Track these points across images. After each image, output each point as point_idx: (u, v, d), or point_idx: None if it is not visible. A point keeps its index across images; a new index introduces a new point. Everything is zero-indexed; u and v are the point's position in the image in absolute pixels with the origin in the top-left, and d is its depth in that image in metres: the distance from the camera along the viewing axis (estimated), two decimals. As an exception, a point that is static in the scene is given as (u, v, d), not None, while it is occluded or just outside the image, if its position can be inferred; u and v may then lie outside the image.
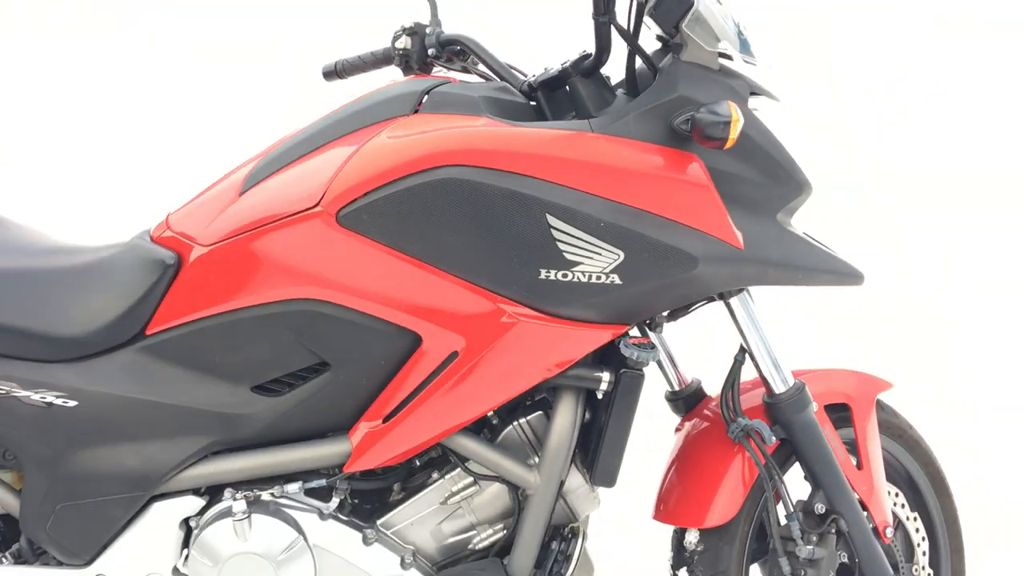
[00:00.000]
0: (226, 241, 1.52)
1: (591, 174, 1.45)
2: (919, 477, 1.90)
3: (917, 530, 1.90)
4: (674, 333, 1.81)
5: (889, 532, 1.77)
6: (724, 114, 1.40)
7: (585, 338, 1.52)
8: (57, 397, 1.55)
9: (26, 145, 4.81)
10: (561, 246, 1.46)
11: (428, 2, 1.81)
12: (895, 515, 1.87)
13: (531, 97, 1.62)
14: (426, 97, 1.54)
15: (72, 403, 1.55)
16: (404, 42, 1.77)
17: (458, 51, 1.75)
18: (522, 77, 1.69)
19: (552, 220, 1.45)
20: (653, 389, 1.70)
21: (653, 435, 1.94)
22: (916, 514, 1.90)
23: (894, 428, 1.88)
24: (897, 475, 1.90)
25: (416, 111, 1.53)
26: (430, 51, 1.77)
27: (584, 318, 1.51)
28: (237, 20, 5.61)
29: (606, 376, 1.56)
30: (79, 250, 1.63)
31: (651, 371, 1.72)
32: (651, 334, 1.68)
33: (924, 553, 1.90)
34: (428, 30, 1.79)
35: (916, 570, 1.89)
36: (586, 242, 1.46)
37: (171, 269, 1.54)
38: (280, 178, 1.53)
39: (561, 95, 1.59)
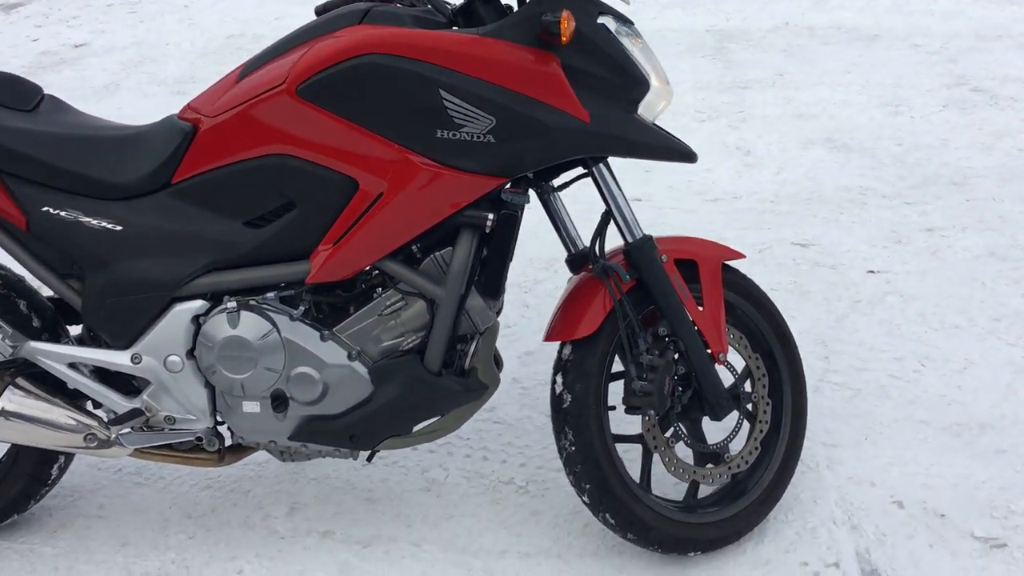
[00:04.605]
0: (224, 114, 2.14)
1: (472, 62, 2.03)
2: (763, 327, 2.42)
3: (758, 367, 2.41)
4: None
5: (722, 356, 2.29)
6: (556, 16, 1.98)
7: (474, 184, 2.08)
8: (109, 223, 2.17)
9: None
10: (451, 113, 2.03)
11: None
12: (741, 354, 2.41)
13: (455, 21, 2.23)
14: (367, 14, 2.16)
15: (119, 228, 2.17)
16: None
17: None
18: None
19: (444, 93, 2.03)
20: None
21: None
22: (758, 354, 2.42)
23: (741, 288, 2.39)
24: (743, 324, 2.41)
25: (360, 23, 2.15)
26: None
27: (471, 169, 2.07)
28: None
29: (491, 216, 2.13)
30: (128, 126, 2.28)
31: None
32: (555, 204, 2.26)
33: (764, 386, 2.42)
34: None
35: (755, 396, 2.41)
36: (468, 110, 2.04)
37: (189, 136, 2.16)
38: (263, 69, 2.15)
39: (475, 17, 2.19)
